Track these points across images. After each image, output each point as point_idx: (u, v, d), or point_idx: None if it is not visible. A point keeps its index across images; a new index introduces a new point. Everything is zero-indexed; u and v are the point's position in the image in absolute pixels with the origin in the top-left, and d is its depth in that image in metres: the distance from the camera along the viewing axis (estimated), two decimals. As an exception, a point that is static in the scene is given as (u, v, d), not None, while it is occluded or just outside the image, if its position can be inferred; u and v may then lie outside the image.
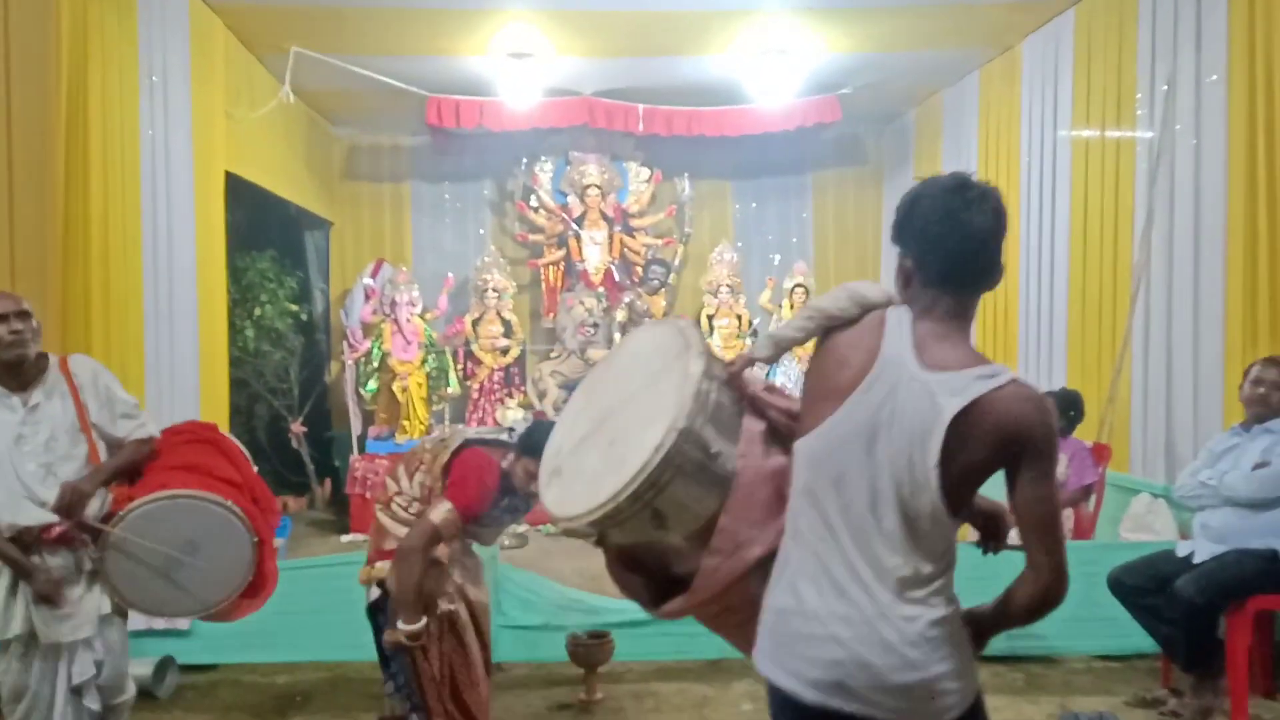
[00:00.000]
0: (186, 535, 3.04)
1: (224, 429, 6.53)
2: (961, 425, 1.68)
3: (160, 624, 4.43)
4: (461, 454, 3.26)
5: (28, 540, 3.04)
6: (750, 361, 1.95)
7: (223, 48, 6.44)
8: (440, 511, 3.11)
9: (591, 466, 1.91)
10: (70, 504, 3.02)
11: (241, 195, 7.04)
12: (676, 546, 1.90)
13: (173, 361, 5.57)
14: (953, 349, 1.76)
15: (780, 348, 2.00)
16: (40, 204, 4.41)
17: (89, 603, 3.11)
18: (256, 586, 3.22)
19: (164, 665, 4.29)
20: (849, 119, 8.63)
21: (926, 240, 1.80)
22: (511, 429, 7.64)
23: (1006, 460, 1.73)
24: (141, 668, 4.21)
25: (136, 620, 4.38)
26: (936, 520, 1.75)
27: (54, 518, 3.03)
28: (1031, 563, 1.82)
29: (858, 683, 1.72)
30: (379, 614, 3.30)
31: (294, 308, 8.65)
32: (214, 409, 6.32)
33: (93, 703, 3.18)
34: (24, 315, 3.12)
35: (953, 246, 1.78)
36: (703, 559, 1.85)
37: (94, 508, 3.13)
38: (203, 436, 3.44)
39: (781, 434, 1.91)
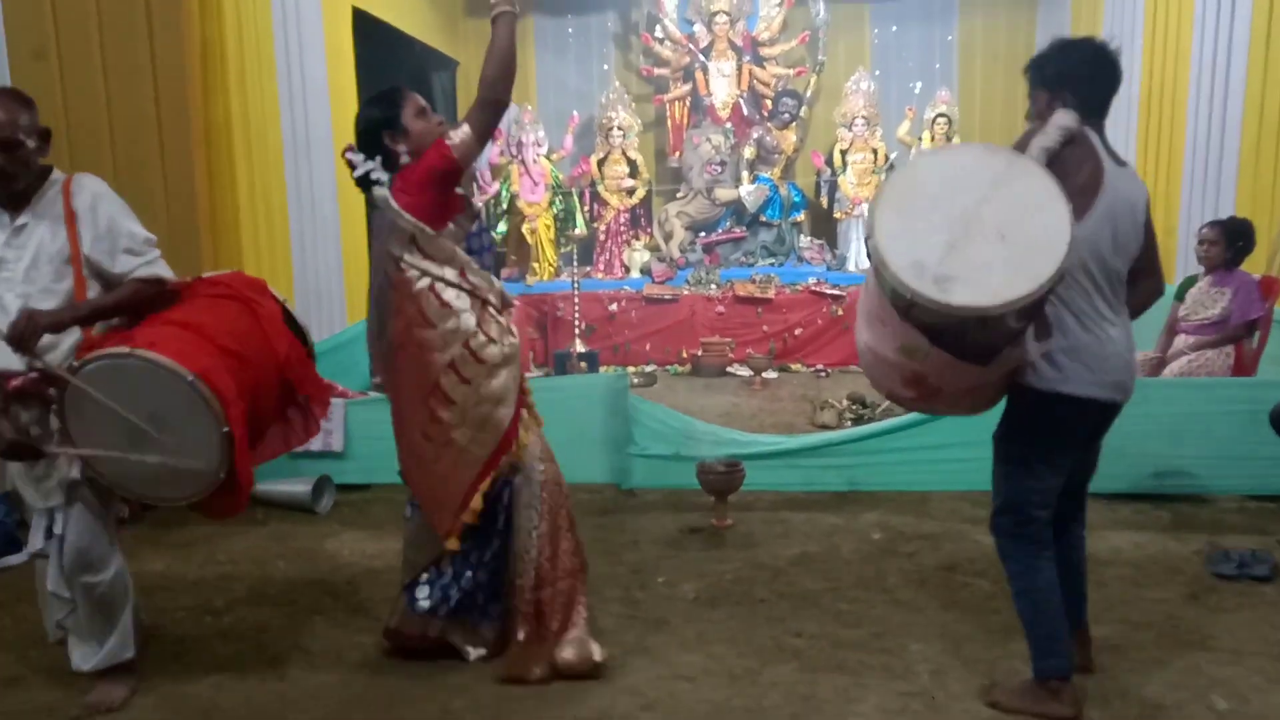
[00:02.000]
0: (149, 405, 2.51)
1: (363, 268, 6.87)
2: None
3: (316, 446, 4.70)
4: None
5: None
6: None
7: (344, -127, 6.30)
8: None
9: (993, 258, 2.21)
10: (20, 335, 2.49)
11: (369, 33, 7.01)
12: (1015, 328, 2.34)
13: (314, 196, 5.72)
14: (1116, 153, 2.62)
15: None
16: (176, 34, 4.49)
17: (60, 467, 2.62)
18: (230, 485, 2.62)
19: (321, 484, 4.57)
20: (1002, -72, 7.91)
21: (1088, 80, 2.60)
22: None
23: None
24: (300, 485, 4.50)
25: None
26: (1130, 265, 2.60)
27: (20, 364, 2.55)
28: (1155, 271, 2.71)
29: (1128, 379, 2.58)
30: None
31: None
32: (355, 248, 6.52)
33: (51, 582, 2.68)
34: (12, 144, 2.58)
35: (1108, 84, 2.63)
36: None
37: (60, 354, 2.62)
38: (238, 293, 2.86)
39: None
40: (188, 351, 2.55)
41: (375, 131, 2.77)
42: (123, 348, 2.51)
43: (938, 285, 2.20)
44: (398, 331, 2.79)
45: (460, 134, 2.73)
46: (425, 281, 2.73)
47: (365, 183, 2.77)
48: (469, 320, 2.74)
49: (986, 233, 2.24)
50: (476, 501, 2.81)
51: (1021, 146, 2.44)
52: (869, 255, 2.48)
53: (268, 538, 4.20)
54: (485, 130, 2.77)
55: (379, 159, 2.75)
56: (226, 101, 4.75)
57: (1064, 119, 2.47)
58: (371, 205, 2.76)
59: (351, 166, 2.78)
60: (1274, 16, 5.50)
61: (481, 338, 2.75)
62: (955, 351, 2.30)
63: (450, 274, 2.75)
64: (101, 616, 2.75)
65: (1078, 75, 2.58)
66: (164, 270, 2.78)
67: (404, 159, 2.75)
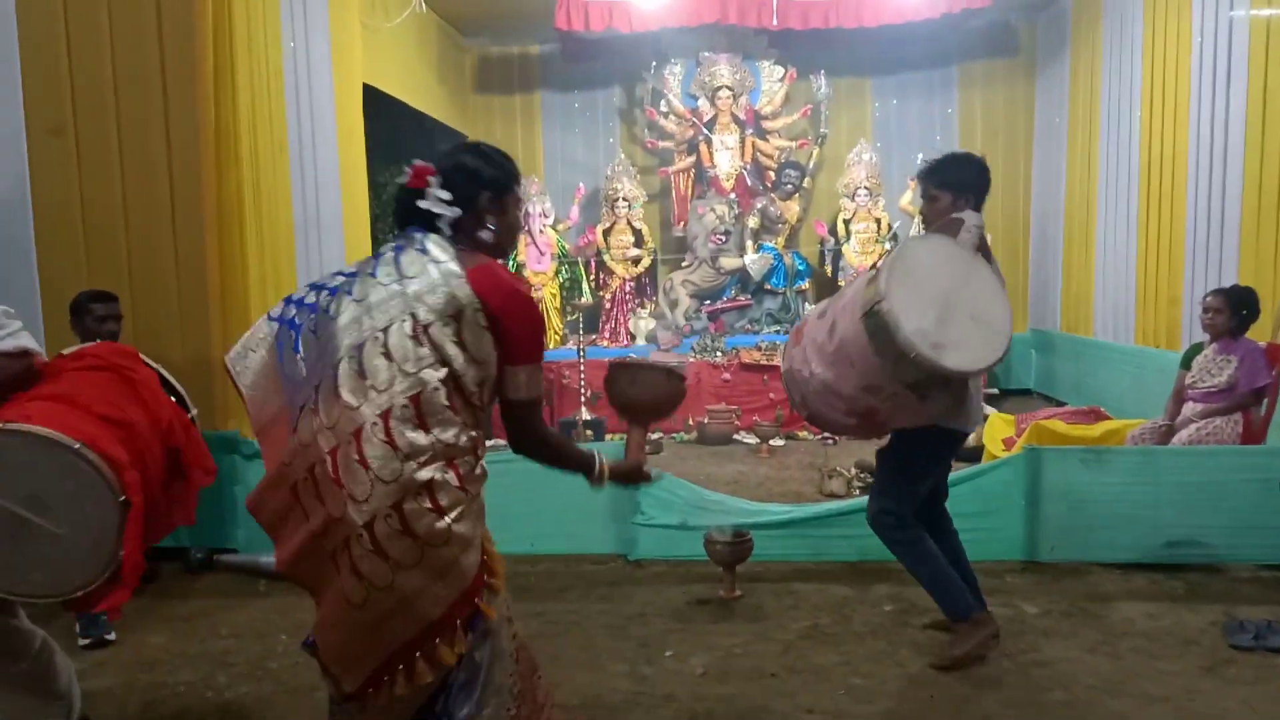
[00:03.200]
0: (26, 487, 2.23)
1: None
2: None
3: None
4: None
5: None
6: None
7: (356, -42, 6.51)
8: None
9: (969, 334, 2.90)
10: None
11: (380, 108, 7.17)
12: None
13: (323, 270, 5.77)
14: None
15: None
16: (192, 113, 4.59)
17: None
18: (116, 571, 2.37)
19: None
20: (999, 5, 8.16)
21: (984, 187, 3.37)
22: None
23: None
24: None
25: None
26: None
27: None
28: None
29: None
30: None
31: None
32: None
33: None
34: None
35: (988, 190, 3.39)
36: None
37: None
38: (108, 362, 2.62)
39: None
40: (67, 422, 2.33)
41: (478, 183, 2.14)
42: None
43: (934, 350, 2.82)
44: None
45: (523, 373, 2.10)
46: (442, 373, 1.97)
47: (419, 212, 2.11)
48: (467, 436, 2.00)
49: (963, 314, 2.92)
50: (421, 674, 1.97)
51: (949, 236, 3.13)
52: (870, 317, 2.89)
53: (270, 610, 4.15)
54: (535, 383, 2.12)
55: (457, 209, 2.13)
56: (239, 180, 4.83)
57: (977, 219, 3.14)
58: (401, 226, 2.16)
59: (418, 187, 2.12)
60: (1269, 87, 5.59)
61: (471, 458, 2.03)
62: (918, 396, 2.97)
63: (473, 377, 2.01)
64: (35, 697, 2.56)
65: (978, 183, 3.33)
66: (29, 341, 2.52)
67: (483, 234, 2.13)
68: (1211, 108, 6.23)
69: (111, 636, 3.78)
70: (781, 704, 3.12)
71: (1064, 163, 8.86)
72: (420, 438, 1.94)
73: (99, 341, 3.05)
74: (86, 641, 3.74)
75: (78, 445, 2.28)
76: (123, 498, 2.32)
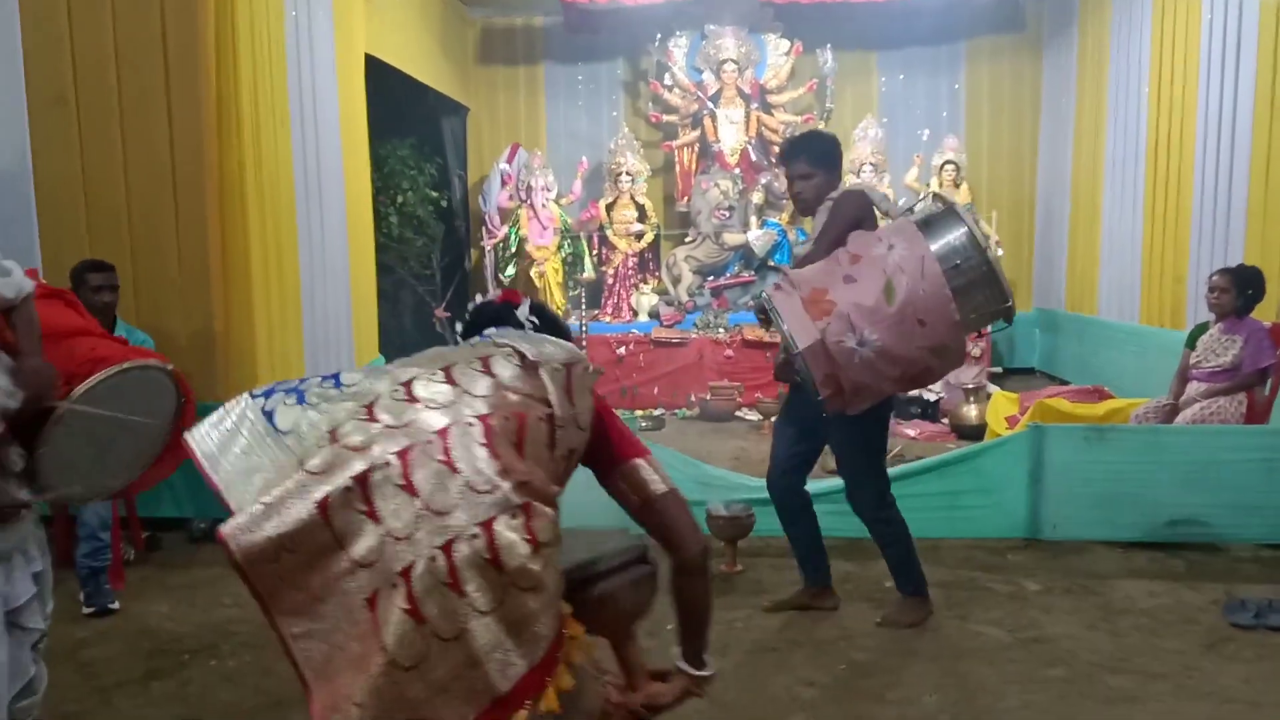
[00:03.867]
0: (133, 406, 2.50)
1: (373, 312, 6.89)
2: None
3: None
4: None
5: None
6: None
7: (359, -74, 6.43)
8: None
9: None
10: (46, 387, 2.27)
11: (382, 80, 7.11)
12: None
13: (324, 242, 5.76)
14: None
15: None
16: (194, 85, 4.56)
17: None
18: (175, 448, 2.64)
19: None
20: (1007, -21, 8.02)
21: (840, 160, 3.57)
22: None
23: None
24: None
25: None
26: None
27: None
28: None
29: None
30: None
31: (434, 195, 8.79)
32: (363, 292, 6.56)
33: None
34: None
35: None
36: None
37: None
38: (50, 290, 2.71)
39: None
40: (109, 348, 2.61)
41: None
42: (114, 367, 2.52)
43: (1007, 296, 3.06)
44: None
45: None
46: (543, 411, 1.75)
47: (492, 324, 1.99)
48: (555, 490, 1.66)
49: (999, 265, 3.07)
50: None
51: (864, 212, 3.38)
52: (976, 264, 2.96)
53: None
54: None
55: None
56: (240, 150, 4.80)
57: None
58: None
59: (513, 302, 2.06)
60: (1278, 68, 5.53)
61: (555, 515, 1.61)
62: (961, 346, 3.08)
63: (565, 437, 1.79)
64: None
65: (840, 159, 3.56)
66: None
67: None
68: (1220, 86, 6.18)
69: (115, 605, 3.80)
70: (783, 678, 3.13)
71: (1070, 140, 8.80)
72: (518, 461, 1.59)
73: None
74: (90, 610, 3.76)
75: (171, 367, 2.62)
76: (183, 398, 2.65)
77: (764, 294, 3.01)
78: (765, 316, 3.35)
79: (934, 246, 2.94)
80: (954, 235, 2.97)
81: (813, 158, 3.45)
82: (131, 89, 4.59)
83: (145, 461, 2.65)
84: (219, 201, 4.67)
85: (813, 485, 4.76)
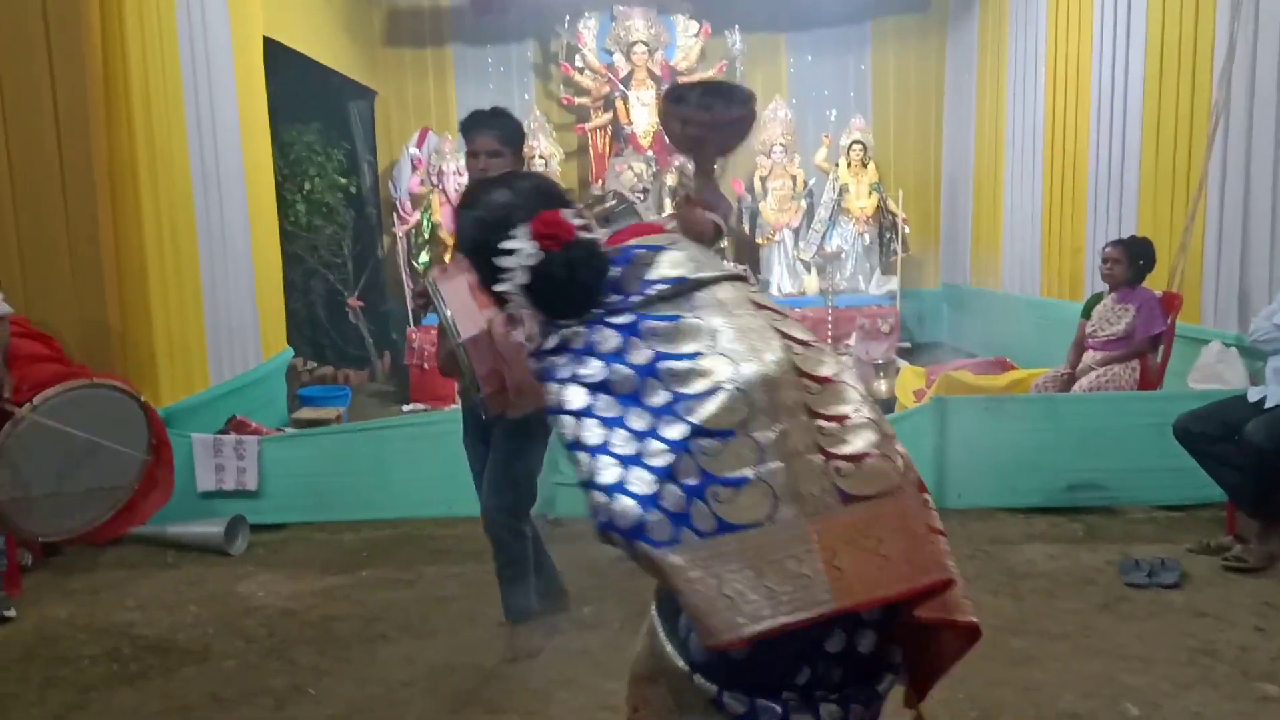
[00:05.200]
0: (94, 426, 2.57)
1: (280, 302, 6.72)
2: None
3: (230, 485, 4.58)
4: None
5: None
6: None
7: (253, -96, 6.23)
8: None
9: None
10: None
11: (283, 64, 6.91)
12: None
13: (224, 231, 5.59)
14: None
15: None
16: (79, 64, 4.36)
17: None
18: (155, 485, 2.76)
19: (235, 524, 4.43)
20: (909, -39, 8.15)
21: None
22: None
23: None
24: (213, 526, 4.36)
25: (206, 481, 4.56)
26: None
27: None
28: None
29: None
30: None
31: (343, 181, 8.60)
32: (268, 281, 6.39)
33: None
34: None
35: None
36: None
37: None
38: (27, 330, 2.89)
39: None
40: (76, 371, 2.71)
41: None
42: (79, 380, 2.64)
43: None
44: None
45: None
46: None
47: None
48: None
49: None
50: None
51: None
52: None
53: (179, 581, 4.05)
54: None
55: None
56: (131, 134, 4.61)
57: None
58: None
59: None
60: (1165, 46, 5.74)
61: None
62: None
63: None
64: None
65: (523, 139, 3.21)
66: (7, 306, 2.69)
67: None
68: (1112, 65, 6.39)
69: (11, 614, 3.65)
70: (697, 654, 3.16)
71: (973, 119, 9.01)
72: None
73: None
74: (-16, 620, 3.60)
75: (141, 396, 2.78)
76: (154, 440, 2.80)
77: (429, 276, 2.60)
78: (427, 299, 2.79)
79: None
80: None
81: (505, 136, 3.10)
82: (12, 77, 4.36)
83: (109, 502, 2.51)
84: (110, 192, 4.48)
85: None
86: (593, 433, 1.36)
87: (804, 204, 9.06)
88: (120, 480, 2.56)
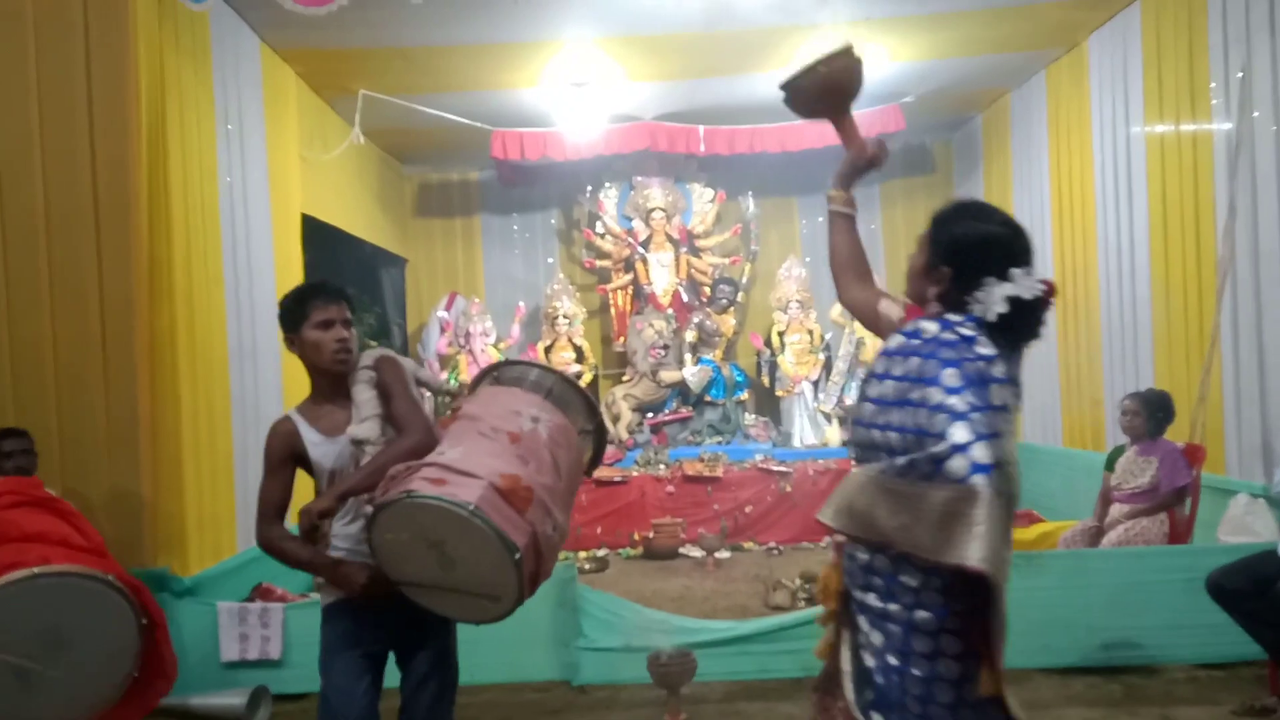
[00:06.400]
0: (49, 628, 2.22)
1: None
2: None
3: (253, 655, 4.56)
4: None
5: None
6: None
7: (294, 93, 6.68)
8: None
9: None
10: None
11: (318, 236, 7.25)
12: None
13: (258, 400, 5.74)
14: None
15: None
16: (125, 248, 4.60)
17: None
18: (148, 681, 2.47)
19: (258, 695, 4.39)
20: (914, 128, 8.55)
21: None
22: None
23: None
24: (236, 698, 4.32)
25: (230, 651, 4.53)
26: None
27: None
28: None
29: None
30: None
31: (373, 343, 8.84)
32: (298, 444, 6.48)
33: None
34: None
35: None
36: None
37: None
38: (31, 497, 2.65)
39: None
40: (69, 558, 2.37)
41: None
42: (20, 572, 2.21)
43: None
44: None
45: None
46: None
47: None
48: None
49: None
50: None
51: None
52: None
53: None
54: None
55: None
56: (172, 313, 4.82)
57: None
58: None
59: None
60: (1168, 197, 5.93)
61: None
62: None
63: None
64: None
65: None
66: None
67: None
68: (1117, 217, 6.59)
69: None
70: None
71: (985, 273, 9.19)
72: None
73: (9, 478, 2.98)
74: None
75: (110, 577, 2.30)
76: (144, 620, 2.36)
77: (471, 506, 2.23)
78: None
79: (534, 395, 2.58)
80: (533, 375, 2.66)
81: (350, 306, 2.83)
82: (62, 254, 4.60)
83: (94, 702, 2.29)
84: (149, 368, 4.65)
85: (753, 624, 4.75)
86: (961, 404, 1.80)
87: (821, 357, 9.20)
88: (99, 682, 2.28)
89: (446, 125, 7.85)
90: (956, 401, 1.78)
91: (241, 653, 4.56)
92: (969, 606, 1.84)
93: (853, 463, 2.11)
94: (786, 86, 2.41)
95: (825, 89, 2.38)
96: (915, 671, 1.88)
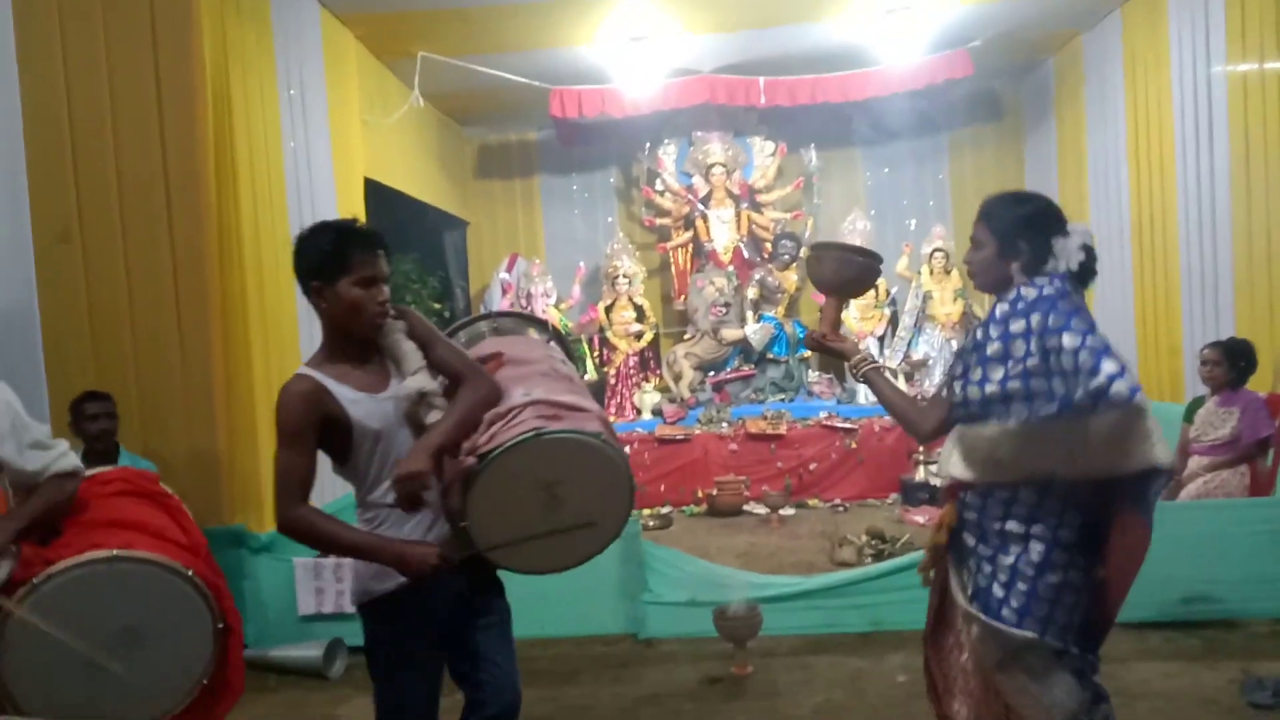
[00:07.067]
0: (123, 619, 2.17)
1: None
2: None
3: (329, 608, 4.68)
4: None
5: None
6: None
7: (354, 58, 6.72)
8: None
9: None
10: None
11: (382, 200, 7.32)
12: None
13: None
14: None
15: None
16: (196, 214, 4.70)
17: None
18: (215, 691, 2.35)
19: (333, 648, 4.51)
20: (982, 72, 8.29)
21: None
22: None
23: None
24: (312, 650, 4.45)
25: (306, 604, 4.66)
26: None
27: None
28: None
29: None
30: None
31: (437, 306, 8.95)
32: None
33: None
34: None
35: None
36: None
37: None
38: (139, 488, 2.54)
39: None
40: (155, 547, 2.28)
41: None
42: (99, 553, 2.16)
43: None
44: None
45: None
46: None
47: None
48: None
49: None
50: None
51: None
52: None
53: (279, 705, 4.13)
54: None
55: None
56: (243, 278, 4.93)
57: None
58: None
59: None
60: (1250, 138, 5.69)
61: None
62: None
63: None
64: None
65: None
66: (78, 462, 2.44)
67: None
68: (1196, 161, 6.34)
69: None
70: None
71: (1057, 222, 8.94)
72: None
73: (124, 468, 2.91)
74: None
75: (189, 572, 2.24)
76: (221, 624, 2.29)
77: (602, 433, 2.33)
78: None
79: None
80: (500, 323, 2.80)
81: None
82: (135, 221, 4.72)
83: (163, 706, 2.22)
84: (222, 326, 4.77)
85: (820, 579, 4.74)
86: (1095, 342, 2.04)
87: (887, 312, 9.06)
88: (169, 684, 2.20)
89: (505, 85, 7.83)
90: (1094, 341, 2.03)
91: (318, 606, 4.69)
92: (1098, 520, 2.20)
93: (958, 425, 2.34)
94: (818, 249, 2.76)
95: (847, 280, 2.70)
96: (1051, 578, 2.22)
